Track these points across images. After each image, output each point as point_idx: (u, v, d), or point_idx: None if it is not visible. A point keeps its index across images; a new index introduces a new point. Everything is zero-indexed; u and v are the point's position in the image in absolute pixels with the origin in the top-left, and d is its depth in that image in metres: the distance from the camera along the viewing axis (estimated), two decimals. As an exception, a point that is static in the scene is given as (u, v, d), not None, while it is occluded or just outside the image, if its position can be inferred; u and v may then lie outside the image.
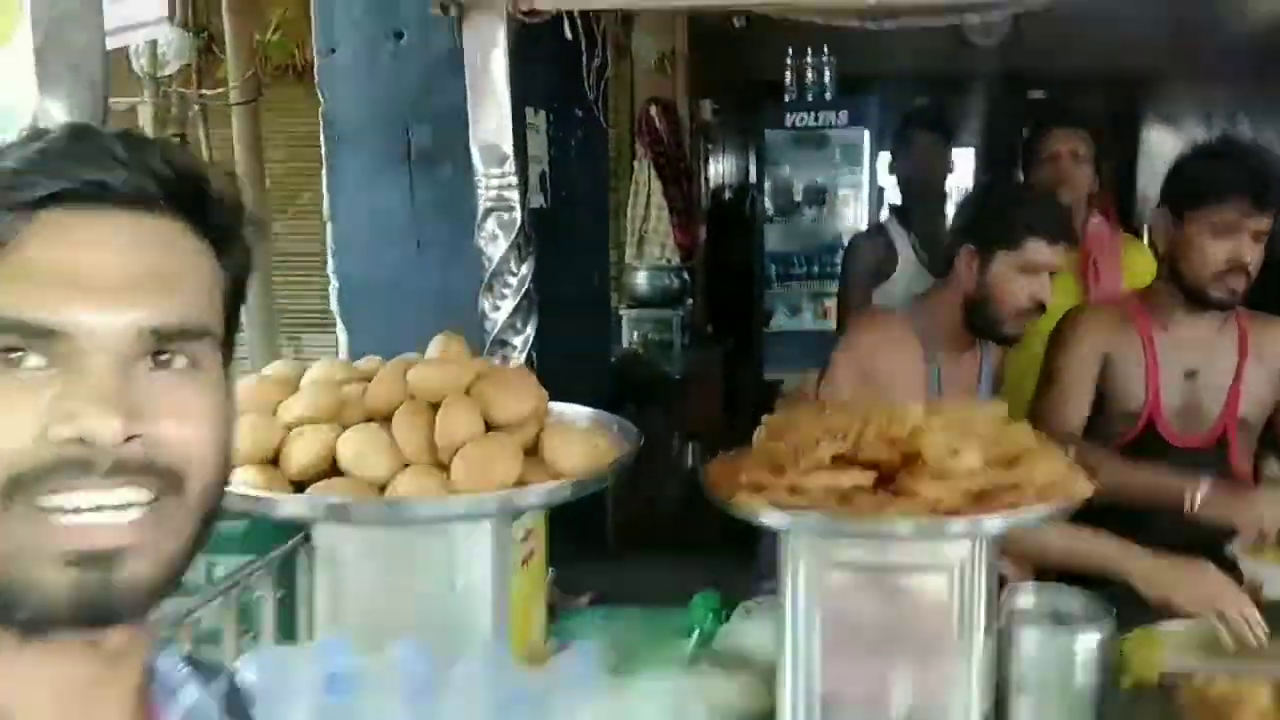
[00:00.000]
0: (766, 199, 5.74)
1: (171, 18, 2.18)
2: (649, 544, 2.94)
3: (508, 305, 2.03)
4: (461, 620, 1.19)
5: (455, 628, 1.18)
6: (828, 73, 5.73)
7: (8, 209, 0.56)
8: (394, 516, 1.16)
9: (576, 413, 1.42)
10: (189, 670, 0.64)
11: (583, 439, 1.24)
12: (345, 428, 1.19)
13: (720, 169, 6.55)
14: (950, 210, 3.24)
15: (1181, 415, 1.81)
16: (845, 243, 4.16)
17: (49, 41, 1.23)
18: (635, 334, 4.31)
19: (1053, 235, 1.71)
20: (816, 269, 5.45)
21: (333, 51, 2.18)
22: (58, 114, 1.25)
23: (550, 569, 1.50)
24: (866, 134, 6.00)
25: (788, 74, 5.72)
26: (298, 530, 1.32)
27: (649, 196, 4.59)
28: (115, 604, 0.55)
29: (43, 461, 0.53)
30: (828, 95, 5.76)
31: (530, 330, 2.05)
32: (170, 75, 2.17)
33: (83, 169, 0.57)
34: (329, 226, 2.26)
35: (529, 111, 2.26)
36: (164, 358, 0.57)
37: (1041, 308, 1.73)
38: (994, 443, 1.20)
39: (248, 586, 1.31)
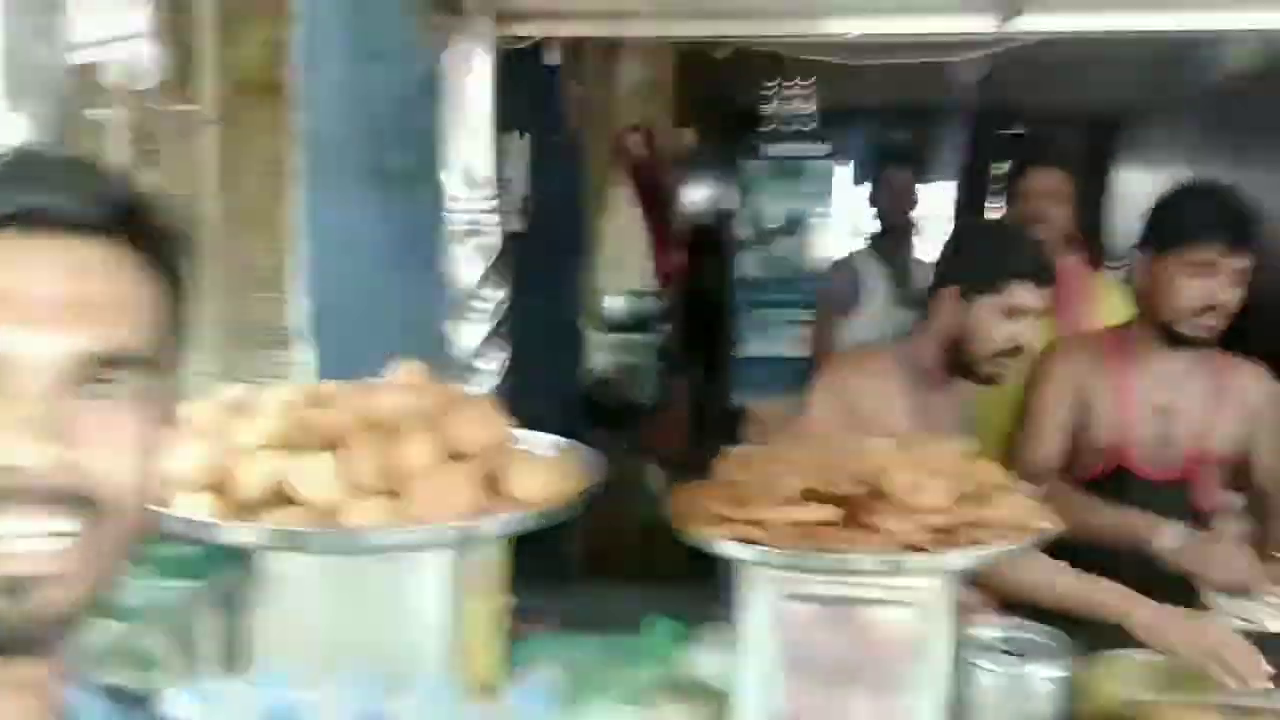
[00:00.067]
0: (742, 226, 5.78)
1: (149, 33, 2.16)
2: (614, 571, 2.92)
3: (479, 331, 2.03)
4: (413, 652, 1.17)
5: (407, 660, 1.16)
6: (808, 104, 5.79)
7: None
8: (347, 545, 1.14)
9: (541, 441, 1.40)
10: (108, 703, 0.62)
11: (545, 469, 1.22)
12: (299, 454, 1.17)
13: (698, 196, 6.59)
14: (919, 242, 3.28)
15: (1152, 451, 1.82)
16: (818, 272, 4.19)
17: (12, 56, 1.22)
18: (608, 359, 4.30)
19: (1036, 279, 1.71)
20: (789, 297, 5.48)
21: (311, 71, 2.17)
22: (22, 127, 1.24)
23: (509, 595, 1.48)
24: (844, 165, 6.06)
25: (768, 105, 5.78)
26: (248, 556, 1.30)
27: (627, 222, 4.60)
28: (25, 633, 0.54)
29: None
30: (807, 126, 5.83)
31: (501, 356, 2.04)
32: (144, 90, 2.16)
33: (24, 194, 0.57)
34: (300, 244, 2.24)
35: (508, 135, 2.25)
36: (100, 384, 0.57)
37: (1021, 350, 1.73)
38: (959, 479, 1.20)
39: (193, 612, 1.29)
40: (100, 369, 0.56)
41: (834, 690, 1.15)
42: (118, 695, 0.63)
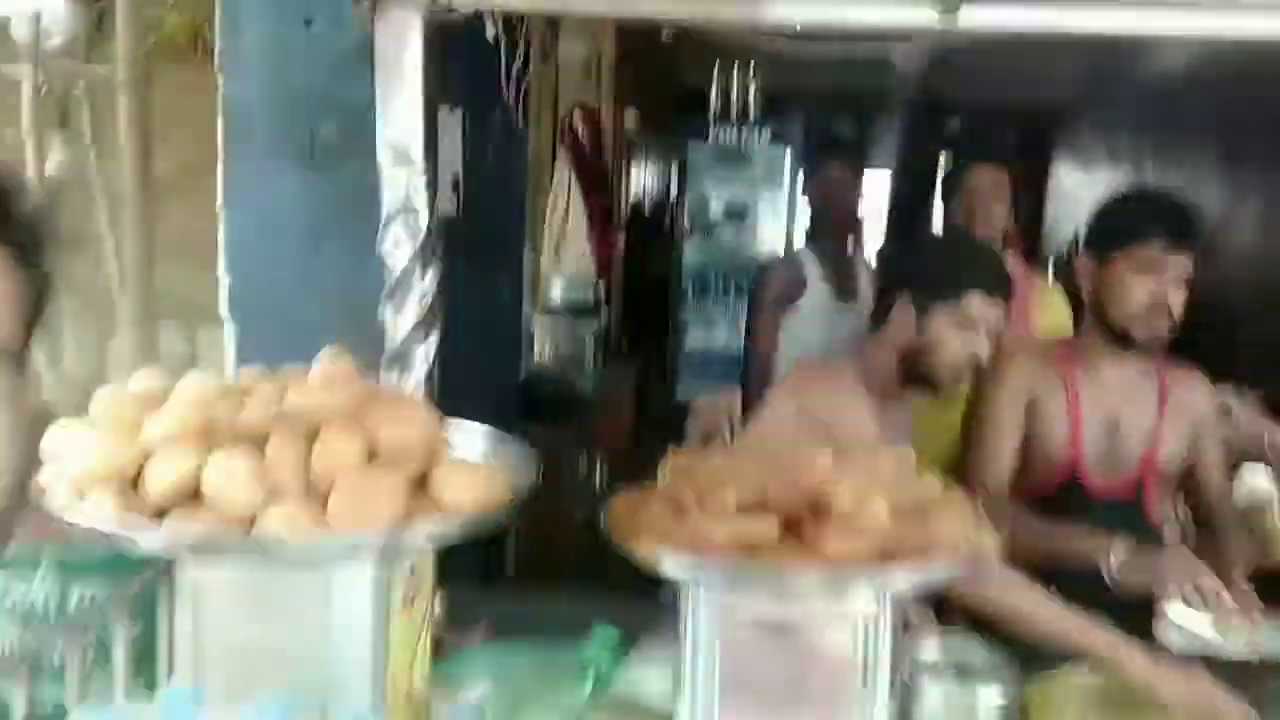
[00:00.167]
0: (686, 214, 5.73)
1: (62, -14, 2.03)
2: (552, 571, 2.85)
3: (410, 317, 1.93)
4: (336, 667, 1.09)
5: (329, 675, 1.09)
6: (753, 90, 5.76)
7: None
8: (262, 554, 1.06)
9: (474, 433, 1.33)
10: None
11: (477, 472, 1.15)
12: (213, 450, 1.09)
13: (641, 180, 6.53)
14: (860, 237, 3.26)
15: (1102, 462, 1.82)
16: (760, 264, 4.15)
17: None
18: (548, 344, 4.22)
19: (993, 290, 1.69)
20: (733, 287, 5.45)
21: (234, 33, 2.06)
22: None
23: (440, 598, 1.41)
24: (788, 153, 6.04)
25: (713, 89, 5.72)
26: (160, 559, 1.21)
27: (568, 204, 4.51)
28: None
29: None
30: (752, 113, 5.79)
31: (434, 343, 1.95)
32: (54, 48, 2.02)
33: None
34: (222, 220, 2.12)
35: (443, 111, 2.16)
36: None
37: (979, 362, 1.71)
38: (900, 492, 1.16)
39: (102, 620, 1.20)
40: None
41: (775, 710, 1.11)
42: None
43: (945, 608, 1.60)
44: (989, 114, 6.23)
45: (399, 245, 1.90)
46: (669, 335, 5.70)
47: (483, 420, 1.37)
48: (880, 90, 6.05)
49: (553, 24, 3.98)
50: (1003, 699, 1.24)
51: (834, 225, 3.14)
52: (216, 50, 2.07)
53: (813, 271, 3.04)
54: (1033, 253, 4.80)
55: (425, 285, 1.91)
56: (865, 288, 3.04)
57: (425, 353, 1.92)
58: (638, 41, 5.21)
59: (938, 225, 4.92)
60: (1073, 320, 2.40)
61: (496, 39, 2.25)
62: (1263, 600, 1.66)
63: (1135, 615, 1.57)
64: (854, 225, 3.22)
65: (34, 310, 0.60)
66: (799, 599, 1.11)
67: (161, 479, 1.07)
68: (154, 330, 2.35)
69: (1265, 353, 3.21)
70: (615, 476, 3.68)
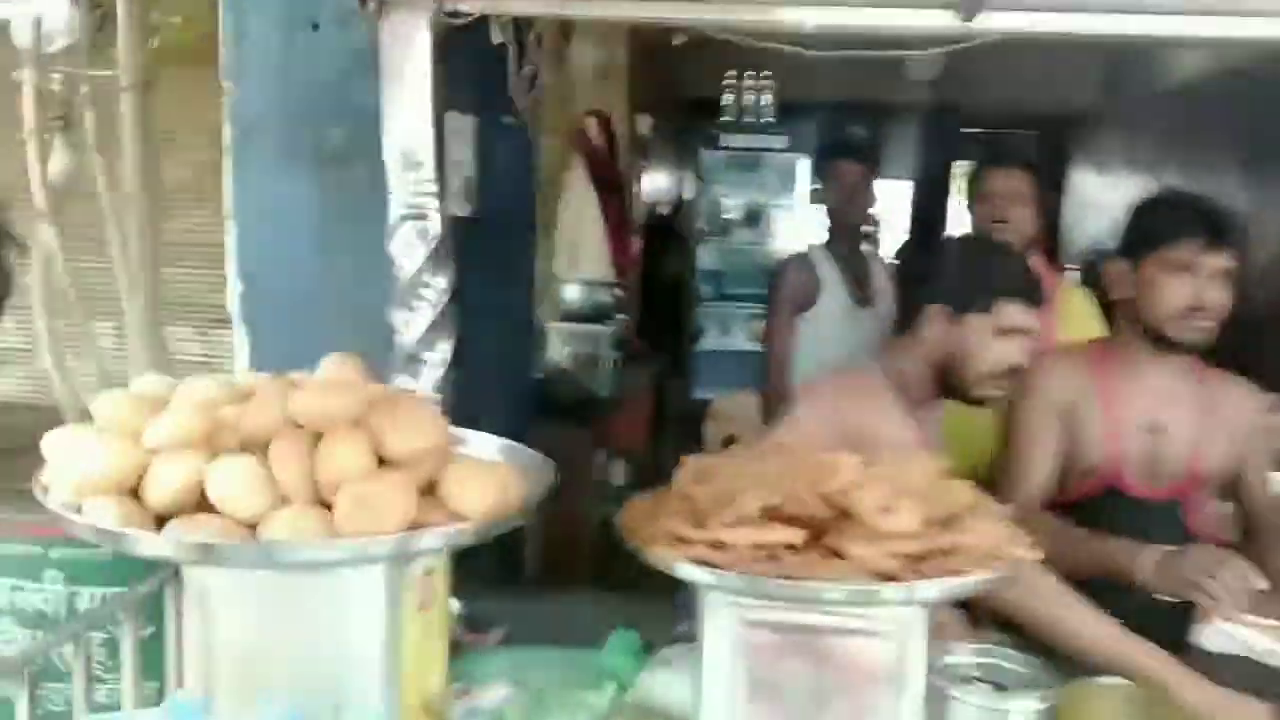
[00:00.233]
0: (701, 217, 5.70)
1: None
2: (569, 574, 2.81)
3: (422, 320, 1.91)
4: (349, 673, 1.06)
5: (342, 681, 1.06)
6: (766, 96, 5.72)
7: None
8: (269, 560, 1.03)
9: (485, 443, 1.30)
10: None
11: (487, 476, 1.12)
12: (218, 456, 1.06)
13: (655, 185, 6.51)
14: (875, 240, 3.21)
15: (1145, 467, 1.78)
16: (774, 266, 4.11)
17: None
18: (564, 349, 4.19)
19: (1026, 298, 1.67)
20: (748, 290, 5.42)
21: (240, 38, 2.03)
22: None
23: (456, 603, 1.38)
24: (802, 158, 6.00)
25: (727, 95, 5.69)
26: (169, 563, 1.19)
27: (583, 209, 4.49)
28: None
29: None
30: (765, 118, 5.76)
31: (446, 347, 1.92)
32: (56, 53, 2.00)
33: None
34: (231, 224, 2.10)
35: (453, 116, 2.14)
36: None
37: (1014, 371, 1.68)
38: (930, 501, 1.11)
39: (110, 622, 1.17)
40: None
41: (800, 721, 1.07)
42: None
43: (976, 611, 1.56)
44: (1004, 119, 6.18)
45: (409, 248, 1.88)
46: (684, 336, 5.68)
47: (498, 422, 1.34)
48: (895, 97, 6.00)
49: (565, 29, 3.95)
50: (1036, 712, 1.19)
51: (849, 228, 3.10)
52: (221, 55, 2.05)
53: (829, 274, 3.00)
54: (1053, 255, 4.74)
55: (437, 288, 1.88)
56: (881, 290, 3.00)
57: (438, 355, 1.89)
58: (650, 47, 5.18)
59: (956, 230, 4.86)
60: (1097, 323, 2.36)
61: (506, 44, 2.23)
62: None
63: (1173, 622, 1.52)
64: (869, 228, 3.18)
65: None
66: (824, 610, 1.06)
67: (166, 484, 1.05)
68: (160, 333, 2.33)
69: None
70: (633, 478, 3.64)
